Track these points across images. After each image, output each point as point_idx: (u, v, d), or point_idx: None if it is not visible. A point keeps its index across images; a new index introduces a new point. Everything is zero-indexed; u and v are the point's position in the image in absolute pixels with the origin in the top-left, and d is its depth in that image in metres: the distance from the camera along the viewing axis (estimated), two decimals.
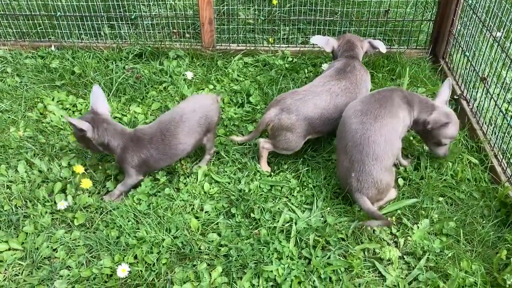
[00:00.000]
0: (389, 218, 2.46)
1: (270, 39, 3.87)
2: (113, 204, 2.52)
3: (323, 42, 3.04)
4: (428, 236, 2.39)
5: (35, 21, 3.88)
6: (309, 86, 2.77)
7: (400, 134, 2.53)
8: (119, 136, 2.55)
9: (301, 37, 3.89)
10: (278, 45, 3.82)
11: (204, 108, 2.65)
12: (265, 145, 2.72)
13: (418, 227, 2.44)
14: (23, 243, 2.37)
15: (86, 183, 2.54)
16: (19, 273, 2.25)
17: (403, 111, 2.54)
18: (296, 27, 3.91)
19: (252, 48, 3.77)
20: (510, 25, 2.80)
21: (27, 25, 3.89)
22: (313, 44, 3.72)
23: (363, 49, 3.06)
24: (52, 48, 3.81)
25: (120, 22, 3.87)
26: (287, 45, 3.82)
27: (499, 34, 2.94)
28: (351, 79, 2.79)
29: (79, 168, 2.59)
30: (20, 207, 2.54)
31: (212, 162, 2.82)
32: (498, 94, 2.90)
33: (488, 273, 2.22)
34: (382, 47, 3.06)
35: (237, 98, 3.34)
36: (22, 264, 2.28)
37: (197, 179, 2.69)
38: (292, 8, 3.82)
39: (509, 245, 2.30)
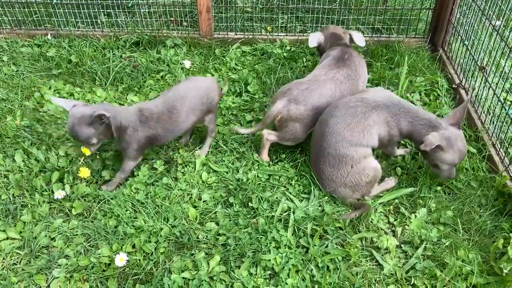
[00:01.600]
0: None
1: (268, 28, 3.84)
2: (110, 193, 2.52)
3: (315, 40, 3.02)
4: (426, 225, 2.40)
5: (31, 9, 3.84)
6: (312, 76, 2.75)
7: (370, 145, 2.45)
8: (128, 114, 2.48)
9: (300, 25, 3.87)
10: (276, 34, 3.79)
11: (206, 87, 2.69)
12: (269, 136, 2.70)
13: (415, 216, 2.44)
14: (21, 232, 2.37)
15: (84, 173, 2.53)
16: (17, 262, 2.25)
17: (380, 128, 2.44)
18: (295, 15, 3.89)
19: (250, 36, 3.75)
20: (510, 13, 2.79)
21: (23, 13, 3.85)
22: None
23: (346, 40, 3.04)
24: (49, 36, 3.78)
25: (117, 10, 3.83)
26: (285, 34, 3.79)
27: (498, 22, 2.92)
28: (351, 67, 2.78)
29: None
30: (17, 196, 2.53)
31: (210, 151, 2.82)
32: (497, 83, 2.89)
33: (485, 261, 2.23)
34: (361, 42, 3.02)
35: (235, 87, 3.32)
36: (20, 253, 2.28)
37: (195, 169, 2.69)
38: None
39: (505, 234, 2.31)
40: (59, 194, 2.47)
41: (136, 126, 2.49)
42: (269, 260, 2.22)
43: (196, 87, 2.66)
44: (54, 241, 2.33)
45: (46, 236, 2.34)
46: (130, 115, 2.49)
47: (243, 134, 2.85)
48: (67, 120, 2.40)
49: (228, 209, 2.48)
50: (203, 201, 2.52)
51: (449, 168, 2.44)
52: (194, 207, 2.48)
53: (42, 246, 2.31)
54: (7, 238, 2.34)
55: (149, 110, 2.53)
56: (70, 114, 2.35)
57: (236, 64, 3.55)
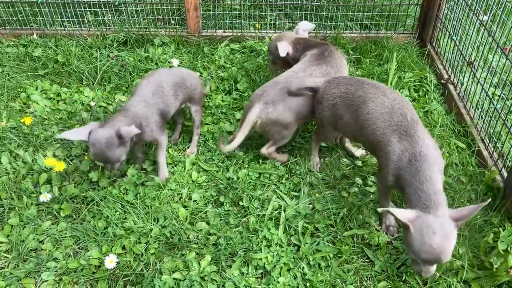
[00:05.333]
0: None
1: (257, 25, 3.82)
2: (100, 193, 2.49)
3: (285, 50, 2.95)
4: None
5: (16, 8, 3.79)
6: (289, 73, 2.68)
7: None
8: (133, 113, 2.45)
9: (288, 22, 3.85)
10: (265, 31, 3.77)
11: (186, 73, 2.78)
12: (269, 150, 2.66)
13: None
14: (8, 235, 2.33)
15: (50, 162, 2.50)
16: (5, 266, 2.22)
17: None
18: (283, 12, 3.87)
19: (239, 34, 3.72)
20: (497, 8, 2.80)
21: (7, 13, 3.79)
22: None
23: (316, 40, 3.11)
24: (34, 36, 3.73)
25: (103, 9, 3.79)
26: (274, 31, 3.78)
27: (485, 17, 2.93)
28: (331, 64, 2.73)
29: (51, 161, 2.53)
30: (5, 199, 2.49)
31: (199, 150, 2.80)
32: (485, 78, 2.90)
33: (475, 256, 2.24)
34: (309, 26, 3.14)
35: (224, 85, 3.30)
36: (7, 257, 2.25)
37: (184, 168, 2.67)
38: None
39: (495, 228, 2.32)
40: (45, 197, 2.43)
41: (145, 115, 2.48)
42: (261, 259, 2.21)
43: (175, 73, 2.73)
44: (43, 244, 2.30)
45: (34, 239, 2.31)
46: (134, 111, 2.47)
47: (228, 152, 2.70)
48: (91, 147, 2.29)
49: (218, 208, 2.47)
50: (193, 201, 2.50)
51: (417, 260, 1.95)
52: (184, 207, 2.47)
53: (30, 249, 2.28)
54: None
55: (140, 97, 2.52)
56: (94, 141, 2.26)
57: (225, 62, 3.53)
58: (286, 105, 2.55)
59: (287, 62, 3.01)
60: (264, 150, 2.66)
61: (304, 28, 3.13)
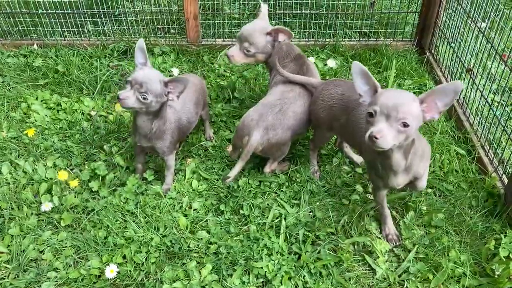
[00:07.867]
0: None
1: None
2: (100, 203, 2.49)
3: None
4: (417, 228, 2.39)
5: (16, 19, 3.81)
6: (280, 94, 2.61)
7: None
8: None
9: None
10: None
11: (200, 83, 2.89)
12: (271, 167, 2.66)
13: (404, 221, 2.43)
14: (8, 245, 2.32)
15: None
16: (5, 276, 2.21)
17: None
18: (282, 20, 3.89)
19: None
20: (495, 15, 2.81)
21: (8, 23, 3.81)
22: (298, 39, 3.72)
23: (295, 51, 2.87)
24: (35, 46, 3.75)
25: (103, 19, 3.81)
26: None
27: (483, 24, 2.95)
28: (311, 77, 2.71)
29: (63, 175, 2.56)
30: (5, 209, 2.49)
31: (200, 159, 2.80)
32: (484, 85, 2.91)
33: (477, 263, 2.24)
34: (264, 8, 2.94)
35: (223, 94, 3.31)
36: (8, 267, 2.24)
37: (185, 177, 2.67)
38: (277, 1, 3.79)
39: (497, 235, 2.32)
40: (46, 206, 2.43)
41: (170, 118, 2.51)
42: (261, 267, 2.20)
43: (196, 85, 2.79)
44: (43, 254, 2.29)
45: (34, 249, 2.30)
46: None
47: (232, 180, 2.62)
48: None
49: (219, 217, 2.46)
50: (194, 210, 2.49)
51: None
52: (185, 215, 2.46)
53: (31, 260, 2.27)
54: None
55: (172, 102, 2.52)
56: (149, 67, 2.33)
57: (224, 71, 3.54)
58: (285, 126, 2.51)
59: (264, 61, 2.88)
60: (267, 169, 2.66)
61: (264, 11, 2.90)
